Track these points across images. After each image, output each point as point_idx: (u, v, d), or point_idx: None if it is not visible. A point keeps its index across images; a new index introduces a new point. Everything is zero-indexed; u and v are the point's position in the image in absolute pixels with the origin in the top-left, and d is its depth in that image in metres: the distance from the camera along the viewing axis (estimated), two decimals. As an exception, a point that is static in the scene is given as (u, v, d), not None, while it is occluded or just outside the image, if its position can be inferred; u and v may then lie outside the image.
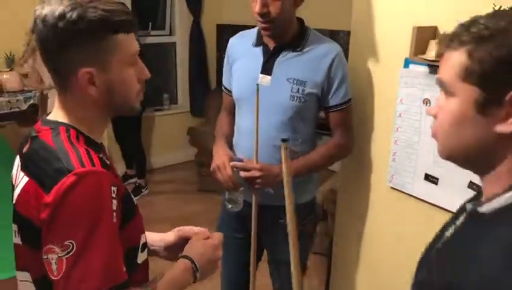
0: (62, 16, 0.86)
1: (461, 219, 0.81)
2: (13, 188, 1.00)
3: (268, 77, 1.56)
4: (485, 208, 0.74)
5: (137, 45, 0.97)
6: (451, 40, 0.73)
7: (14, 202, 0.97)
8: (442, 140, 0.78)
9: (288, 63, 1.58)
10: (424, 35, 1.51)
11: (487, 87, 0.69)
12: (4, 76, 4.64)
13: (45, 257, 0.86)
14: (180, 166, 4.64)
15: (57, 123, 0.95)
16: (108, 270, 0.87)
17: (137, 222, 1.04)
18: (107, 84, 0.93)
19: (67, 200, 0.84)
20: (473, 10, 1.44)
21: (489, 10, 1.34)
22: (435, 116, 0.79)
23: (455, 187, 1.57)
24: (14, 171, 1.01)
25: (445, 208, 1.60)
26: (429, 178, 1.64)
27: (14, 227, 0.99)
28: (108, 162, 0.97)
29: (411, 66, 1.63)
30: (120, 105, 0.99)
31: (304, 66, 1.57)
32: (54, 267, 0.85)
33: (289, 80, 1.56)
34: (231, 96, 1.74)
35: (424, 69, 1.59)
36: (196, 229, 1.17)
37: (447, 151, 0.78)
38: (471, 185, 1.53)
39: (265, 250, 1.85)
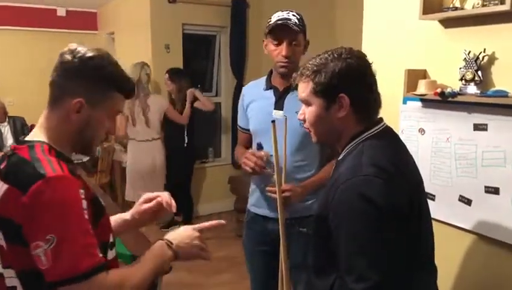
0: (91, 58, 1.12)
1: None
2: None
3: (281, 112, 1.95)
4: (340, 157, 1.31)
5: (123, 109, 1.22)
6: (301, 76, 1.29)
7: None
8: (313, 132, 1.32)
9: (296, 99, 1.90)
10: (414, 76, 1.88)
11: (326, 97, 1.24)
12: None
13: (34, 252, 1.00)
14: (221, 214, 5.00)
15: (33, 141, 1.13)
16: (87, 252, 1.02)
17: (107, 221, 1.19)
18: (87, 118, 1.14)
19: (42, 200, 1.00)
20: (449, 56, 1.79)
21: (461, 54, 1.70)
22: (304, 120, 1.33)
23: (448, 201, 1.85)
24: None
25: (442, 220, 1.87)
26: (427, 195, 1.92)
27: None
28: (78, 173, 1.13)
29: (408, 102, 1.99)
30: (86, 141, 1.18)
31: None
32: (43, 258, 1.00)
33: (297, 112, 1.93)
34: (247, 133, 2.12)
35: (418, 104, 1.94)
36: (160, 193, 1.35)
37: (318, 138, 1.33)
38: (461, 198, 1.81)
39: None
